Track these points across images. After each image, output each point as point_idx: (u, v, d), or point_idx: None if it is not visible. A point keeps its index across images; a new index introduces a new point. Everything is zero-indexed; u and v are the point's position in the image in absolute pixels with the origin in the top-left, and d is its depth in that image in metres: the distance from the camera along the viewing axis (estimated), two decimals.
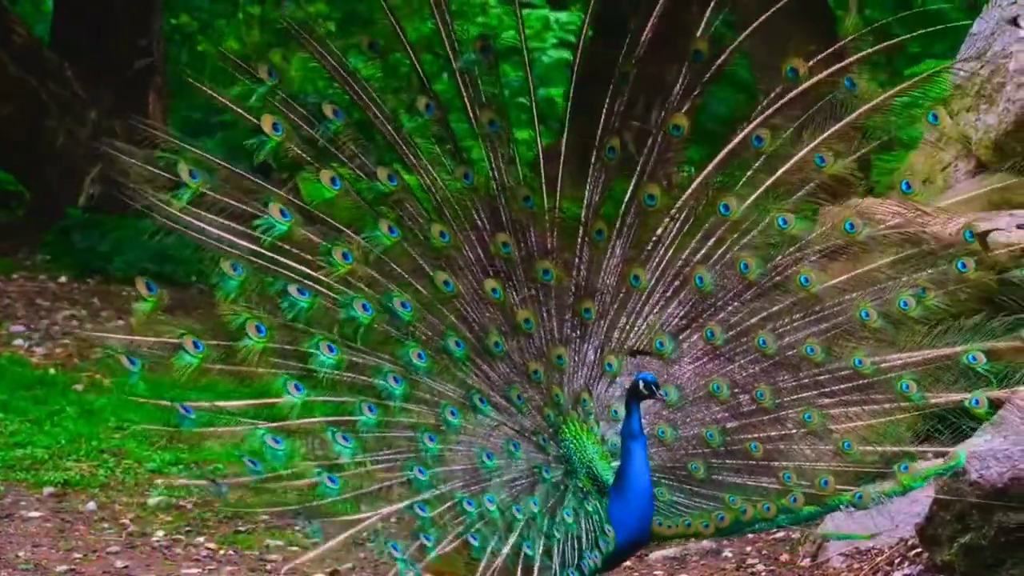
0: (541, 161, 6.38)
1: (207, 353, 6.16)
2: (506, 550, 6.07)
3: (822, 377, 6.38)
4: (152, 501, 9.27)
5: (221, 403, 6.22)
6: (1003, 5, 10.49)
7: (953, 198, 10.14)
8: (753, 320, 6.39)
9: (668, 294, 6.42)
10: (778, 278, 6.40)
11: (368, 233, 6.23)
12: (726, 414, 6.38)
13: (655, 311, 6.40)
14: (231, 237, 6.18)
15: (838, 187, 6.43)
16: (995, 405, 6.34)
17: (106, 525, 8.91)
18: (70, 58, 16.62)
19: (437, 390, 6.28)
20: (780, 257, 6.40)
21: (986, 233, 6.67)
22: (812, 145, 6.34)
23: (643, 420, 6.19)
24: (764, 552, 8.25)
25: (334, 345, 6.18)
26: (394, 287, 6.24)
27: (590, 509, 6.21)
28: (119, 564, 8.31)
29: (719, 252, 6.40)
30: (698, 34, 6.35)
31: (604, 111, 6.36)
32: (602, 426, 6.35)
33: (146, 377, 6.25)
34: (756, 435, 6.37)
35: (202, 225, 6.16)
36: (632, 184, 6.38)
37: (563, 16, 19.80)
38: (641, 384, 6.14)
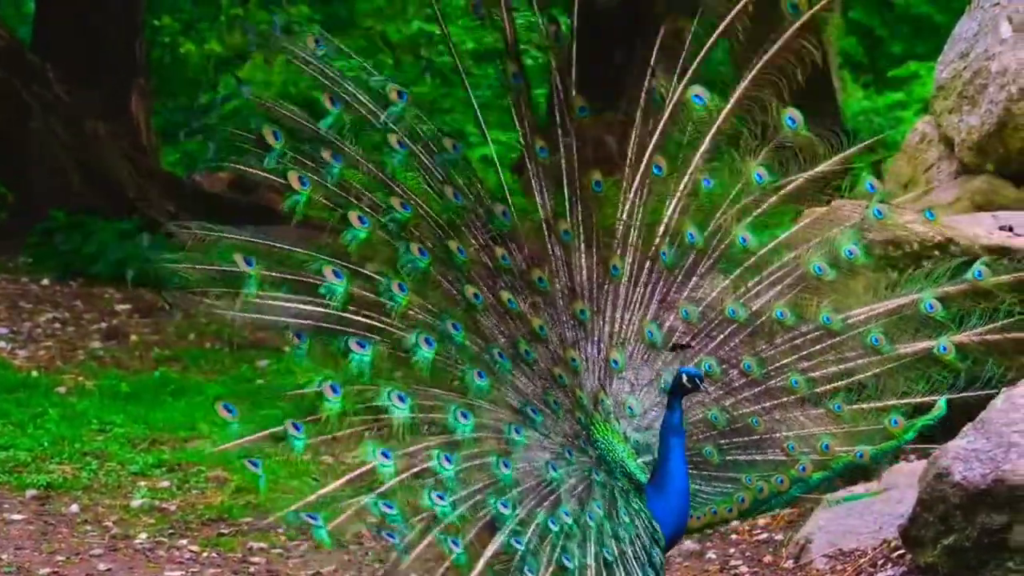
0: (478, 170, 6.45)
1: (308, 430, 6.09)
2: (591, 562, 6.02)
3: (797, 341, 6.43)
4: (135, 503, 9.25)
5: (323, 491, 6.07)
6: (985, 7, 10.53)
7: (936, 199, 10.19)
8: (715, 292, 6.42)
9: (643, 278, 6.43)
10: (722, 246, 6.44)
11: (404, 259, 6.24)
12: (721, 392, 6.39)
13: (636, 297, 6.41)
14: (298, 306, 6.18)
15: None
16: (960, 351, 6.44)
17: (89, 527, 8.89)
18: (52, 60, 16.59)
19: (496, 412, 6.24)
20: (712, 224, 6.43)
21: (879, 164, 6.81)
22: (746, 82, 6.38)
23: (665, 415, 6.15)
24: (748, 554, 8.26)
25: (404, 394, 6.13)
26: (437, 312, 6.24)
27: (635, 508, 6.17)
28: (102, 566, 8.29)
29: (671, 222, 6.43)
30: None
31: (518, 114, 6.41)
32: (623, 423, 6.31)
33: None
34: (753, 408, 6.40)
35: (278, 304, 6.17)
36: (564, 175, 6.39)
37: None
38: (684, 378, 6.05)
